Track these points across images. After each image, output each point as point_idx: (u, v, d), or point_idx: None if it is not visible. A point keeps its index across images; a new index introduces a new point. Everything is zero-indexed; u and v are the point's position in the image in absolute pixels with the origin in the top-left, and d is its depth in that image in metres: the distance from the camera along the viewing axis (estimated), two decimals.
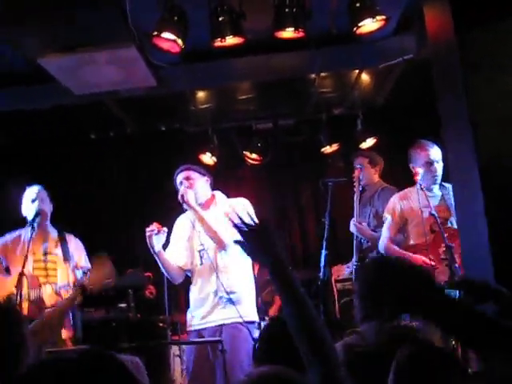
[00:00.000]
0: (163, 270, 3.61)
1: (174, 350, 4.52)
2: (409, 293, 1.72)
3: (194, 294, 3.65)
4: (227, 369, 3.18)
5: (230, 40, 3.53)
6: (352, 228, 4.59)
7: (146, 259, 3.76)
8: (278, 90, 5.32)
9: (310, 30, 3.60)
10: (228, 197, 3.81)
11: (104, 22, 3.60)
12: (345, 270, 5.06)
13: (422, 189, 3.81)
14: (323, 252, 4.32)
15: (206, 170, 3.89)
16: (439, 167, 3.89)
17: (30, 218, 3.86)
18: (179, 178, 3.69)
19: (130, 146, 6.15)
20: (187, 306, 3.77)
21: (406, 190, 4.11)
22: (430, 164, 3.89)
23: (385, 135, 5.70)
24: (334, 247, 5.03)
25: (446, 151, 3.31)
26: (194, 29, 3.65)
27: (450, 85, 3.08)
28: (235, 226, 1.72)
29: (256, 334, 3.34)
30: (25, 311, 3.62)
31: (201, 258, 3.61)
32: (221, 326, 3.47)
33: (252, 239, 1.68)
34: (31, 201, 3.90)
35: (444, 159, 3.79)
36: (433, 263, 3.68)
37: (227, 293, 3.44)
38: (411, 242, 3.98)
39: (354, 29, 3.55)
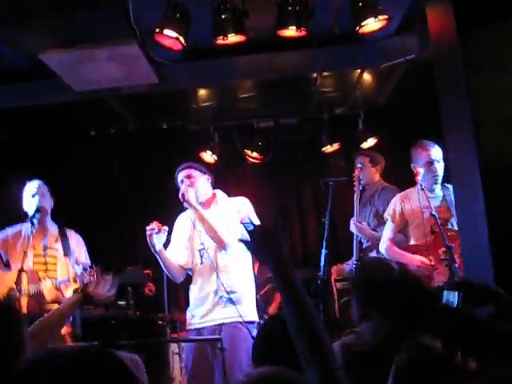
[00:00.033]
0: (164, 269, 3.60)
1: (173, 347, 4.52)
2: (409, 304, 1.72)
3: (194, 293, 3.65)
4: (226, 368, 3.17)
5: (233, 38, 3.53)
6: (352, 227, 4.59)
7: (147, 257, 3.75)
8: (279, 88, 5.32)
9: (313, 29, 3.60)
10: (228, 195, 3.81)
11: (105, 20, 3.61)
12: (345, 269, 5.06)
13: (422, 189, 3.81)
14: (323, 251, 4.32)
15: (207, 168, 3.88)
16: (440, 167, 3.88)
17: (30, 213, 3.86)
18: (180, 176, 3.68)
19: (131, 143, 6.15)
20: (186, 304, 3.77)
21: (407, 190, 4.10)
22: (430, 163, 3.88)
23: (386, 135, 5.70)
24: (334, 246, 5.03)
25: (448, 151, 3.31)
26: (196, 26, 3.65)
27: (453, 85, 3.07)
28: (244, 225, 1.75)
29: (255, 333, 3.33)
30: (25, 306, 3.64)
31: (201, 257, 3.60)
32: (220, 325, 3.47)
33: (259, 240, 1.71)
34: (31, 196, 3.89)
35: (445, 159, 3.79)
36: (432, 263, 3.68)
37: (227, 292, 3.43)
38: (412, 243, 3.97)
39: (357, 28, 3.55)
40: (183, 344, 4.08)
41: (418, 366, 1.52)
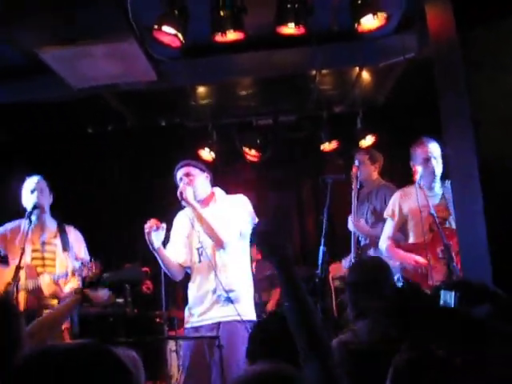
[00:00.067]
0: (163, 267, 3.59)
1: (171, 345, 4.53)
2: (408, 306, 1.73)
3: (192, 291, 3.64)
4: (223, 366, 3.17)
5: (231, 35, 3.53)
6: (350, 225, 4.59)
7: (145, 254, 3.75)
8: (278, 86, 5.31)
9: (312, 27, 3.60)
10: (227, 193, 3.79)
11: (104, 17, 3.60)
12: (342, 266, 5.06)
13: (420, 187, 3.80)
14: (321, 248, 4.31)
15: (205, 165, 3.87)
16: (437, 163, 3.87)
17: (28, 210, 3.85)
18: (179, 173, 3.66)
19: (129, 140, 6.14)
20: (184, 301, 3.76)
21: (405, 188, 4.09)
22: (427, 160, 3.87)
23: (385, 133, 5.70)
24: (332, 244, 5.02)
25: (447, 150, 3.30)
26: (195, 23, 3.64)
27: (452, 83, 3.07)
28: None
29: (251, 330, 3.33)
30: (23, 301, 3.63)
31: (199, 255, 3.59)
32: (218, 323, 3.45)
33: (265, 236, 1.76)
34: (30, 192, 3.89)
35: (444, 158, 3.78)
36: (429, 262, 3.68)
37: (226, 291, 3.42)
38: (410, 241, 3.97)
39: (356, 26, 3.55)
40: (181, 341, 4.07)
41: (418, 366, 1.52)
